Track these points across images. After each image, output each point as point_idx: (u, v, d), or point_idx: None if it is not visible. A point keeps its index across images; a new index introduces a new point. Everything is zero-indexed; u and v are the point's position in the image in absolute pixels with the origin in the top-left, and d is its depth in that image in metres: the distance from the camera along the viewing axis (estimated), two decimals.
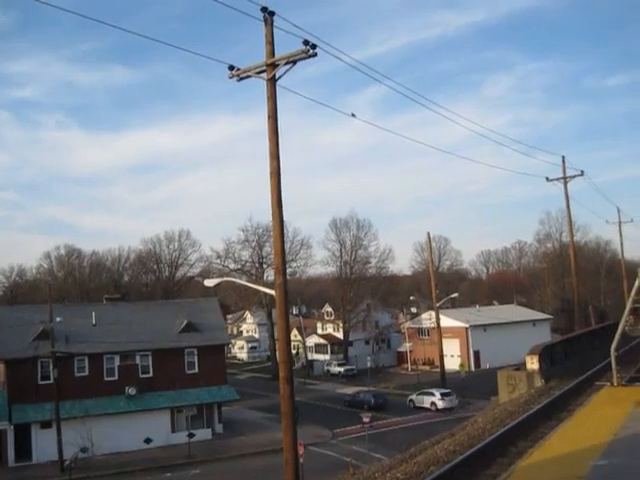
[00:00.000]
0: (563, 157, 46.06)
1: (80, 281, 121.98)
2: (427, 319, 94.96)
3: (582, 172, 46.02)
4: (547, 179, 46.11)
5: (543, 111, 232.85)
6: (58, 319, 50.06)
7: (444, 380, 72.70)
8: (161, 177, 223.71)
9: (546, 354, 30.72)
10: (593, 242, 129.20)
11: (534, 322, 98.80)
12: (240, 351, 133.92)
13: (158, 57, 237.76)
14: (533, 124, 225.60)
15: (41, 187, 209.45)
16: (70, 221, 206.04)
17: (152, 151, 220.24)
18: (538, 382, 28.46)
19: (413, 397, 65.83)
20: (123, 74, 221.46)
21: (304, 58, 17.05)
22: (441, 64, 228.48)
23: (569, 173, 46.05)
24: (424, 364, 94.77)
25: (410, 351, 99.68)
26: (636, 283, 27.44)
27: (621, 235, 75.42)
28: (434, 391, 64.63)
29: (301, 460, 28.02)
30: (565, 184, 46.12)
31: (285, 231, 19.59)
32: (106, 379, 54.86)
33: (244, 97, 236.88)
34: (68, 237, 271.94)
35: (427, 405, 63.21)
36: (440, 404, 62.31)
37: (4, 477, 47.81)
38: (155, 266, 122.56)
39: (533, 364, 29.13)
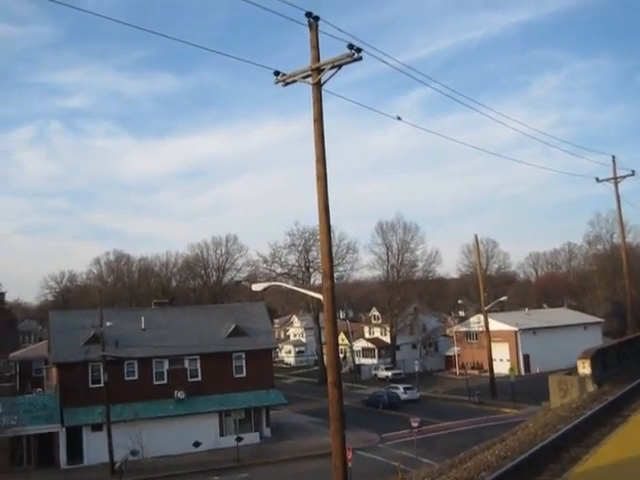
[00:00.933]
0: (613, 157, 45.16)
1: (129, 286, 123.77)
2: (475, 323, 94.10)
3: (633, 172, 45.03)
4: (597, 180, 45.24)
5: (591, 110, 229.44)
6: (108, 324, 50.74)
7: (493, 384, 71.93)
8: (207, 183, 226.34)
9: (598, 358, 30.12)
10: None
11: (585, 325, 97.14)
12: (287, 355, 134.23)
13: (204, 64, 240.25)
14: (581, 124, 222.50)
15: (90, 194, 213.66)
16: (118, 227, 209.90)
17: (198, 157, 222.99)
18: (590, 387, 27.90)
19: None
20: (169, 82, 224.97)
21: (349, 62, 17.02)
22: (486, 65, 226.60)
23: (620, 173, 45.11)
24: (472, 368, 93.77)
25: (458, 355, 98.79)
26: None
27: None
28: (399, 386, 77.18)
29: (350, 465, 27.89)
30: (616, 184, 45.22)
31: (331, 235, 19.54)
32: (155, 383, 55.47)
33: (289, 102, 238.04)
34: (117, 243, 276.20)
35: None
36: (403, 397, 73.18)
37: (56, 478, 48.71)
38: (202, 271, 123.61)
39: (585, 368, 28.57)
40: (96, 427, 50.94)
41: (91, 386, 52.55)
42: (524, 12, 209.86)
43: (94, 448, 50.36)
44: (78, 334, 52.94)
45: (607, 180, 45.23)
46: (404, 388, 75.64)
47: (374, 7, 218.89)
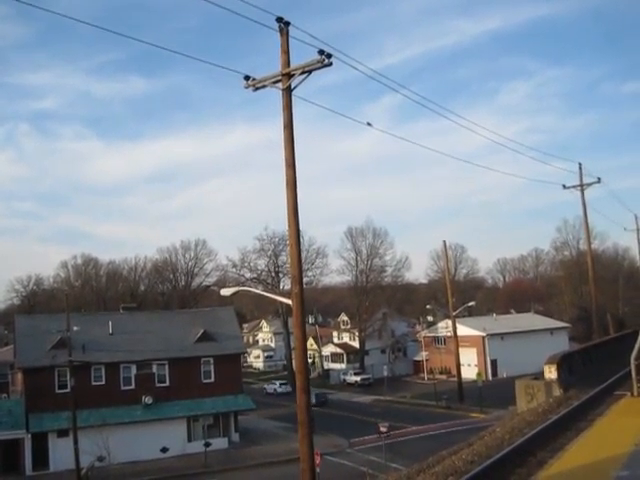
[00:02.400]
0: (580, 164, 45.78)
1: (97, 290, 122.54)
2: (444, 328, 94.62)
3: (599, 179, 45.72)
4: (564, 187, 45.79)
5: (560, 118, 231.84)
6: (75, 328, 50.21)
7: (461, 389, 72.44)
8: (178, 186, 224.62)
9: (564, 363, 30.43)
10: (611, 250, 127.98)
11: (552, 331, 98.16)
12: (256, 360, 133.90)
13: (175, 68, 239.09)
14: (550, 131, 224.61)
15: (59, 197, 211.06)
16: (87, 231, 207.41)
17: (169, 161, 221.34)
18: (557, 391, 28.17)
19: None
20: (140, 85, 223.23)
21: (319, 68, 17.06)
22: (457, 72, 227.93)
23: (586, 180, 45.73)
24: (441, 373, 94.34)
25: (426, 360, 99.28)
26: None
27: (639, 242, 74.68)
28: (275, 381, 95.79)
29: (318, 470, 27.92)
30: (582, 191, 45.83)
31: (301, 240, 19.56)
32: (123, 388, 55.05)
33: (260, 107, 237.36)
34: (85, 247, 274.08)
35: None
36: (279, 390, 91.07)
37: None
38: (171, 275, 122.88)
39: (551, 373, 28.83)
40: (62, 433, 50.35)
41: (57, 391, 52.02)
42: (495, 20, 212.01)
43: (60, 454, 49.74)
44: (44, 338, 52.34)
45: (574, 187, 45.82)
46: (280, 383, 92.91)
47: (346, 13, 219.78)
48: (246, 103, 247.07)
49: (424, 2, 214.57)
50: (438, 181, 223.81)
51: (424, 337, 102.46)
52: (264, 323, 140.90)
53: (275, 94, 17.95)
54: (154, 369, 56.52)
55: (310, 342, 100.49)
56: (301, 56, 17.46)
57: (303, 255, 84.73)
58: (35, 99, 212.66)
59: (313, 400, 73.35)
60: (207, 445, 51.08)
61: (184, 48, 19.09)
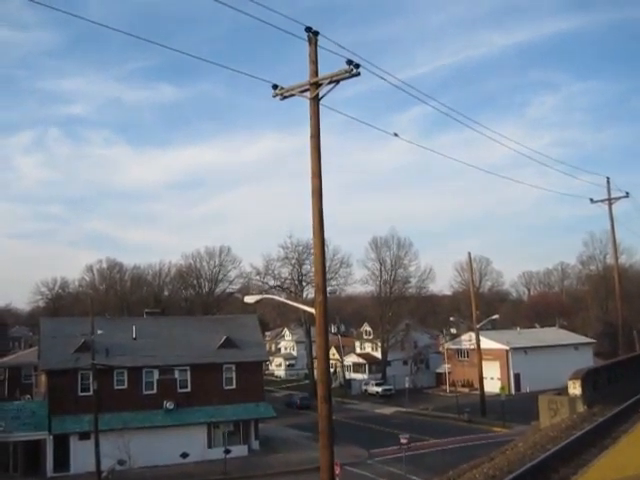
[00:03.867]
0: (608, 178, 45.34)
1: (121, 294, 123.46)
2: (467, 340, 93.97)
3: (627, 194, 45.24)
4: (591, 200, 45.38)
5: (588, 131, 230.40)
6: (99, 332, 50.50)
7: (483, 402, 71.83)
8: (204, 194, 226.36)
9: (589, 379, 30.08)
10: (638, 265, 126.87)
11: (576, 346, 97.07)
12: (278, 368, 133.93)
13: (204, 76, 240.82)
14: (577, 145, 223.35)
15: (87, 202, 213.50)
16: (113, 235, 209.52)
17: (196, 168, 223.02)
18: (580, 407, 27.86)
19: None
20: (169, 92, 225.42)
21: (347, 77, 17.06)
22: (485, 84, 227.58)
23: (614, 194, 45.28)
24: (463, 386, 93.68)
25: (449, 372, 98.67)
26: None
27: None
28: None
29: None
30: (610, 206, 45.37)
31: (325, 249, 19.54)
32: (145, 393, 55.23)
33: (288, 116, 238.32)
34: (111, 251, 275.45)
35: None
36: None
37: None
38: (195, 281, 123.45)
39: (575, 389, 28.52)
40: (84, 436, 50.63)
41: (80, 394, 52.27)
42: (523, 33, 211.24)
43: (81, 457, 50.00)
44: (68, 341, 52.71)
45: (601, 201, 45.38)
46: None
47: (377, 24, 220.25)
48: (273, 112, 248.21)
49: (454, 14, 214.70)
50: (463, 192, 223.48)
51: (447, 349, 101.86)
52: (286, 331, 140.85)
53: (302, 103, 18.00)
54: (176, 374, 56.66)
55: (332, 351, 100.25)
56: (330, 66, 17.50)
57: (327, 264, 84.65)
58: (66, 104, 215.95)
59: (297, 402, 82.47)
60: (227, 452, 51.07)
61: (213, 57, 19.39)
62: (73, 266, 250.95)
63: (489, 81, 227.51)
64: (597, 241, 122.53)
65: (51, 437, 50.78)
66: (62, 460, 50.85)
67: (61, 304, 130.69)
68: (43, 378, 59.25)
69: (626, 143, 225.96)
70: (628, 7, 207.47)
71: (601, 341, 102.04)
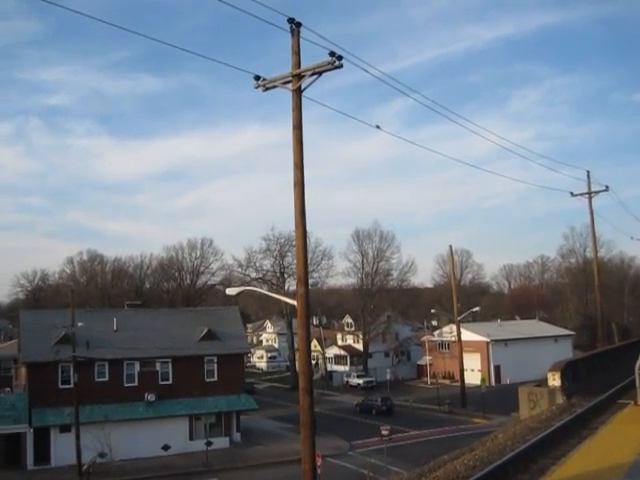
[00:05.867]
0: (588, 172, 45.67)
1: (102, 287, 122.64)
2: (448, 332, 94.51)
3: (607, 187, 45.56)
4: (572, 194, 45.67)
5: (569, 125, 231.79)
6: (80, 324, 50.37)
7: (464, 394, 72.27)
8: (186, 185, 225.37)
9: (568, 371, 30.37)
10: (617, 258, 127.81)
11: (556, 338, 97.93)
12: (259, 360, 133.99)
13: (187, 67, 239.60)
14: (559, 138, 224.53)
15: (68, 193, 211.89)
16: (94, 227, 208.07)
17: (178, 159, 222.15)
18: (560, 399, 28.12)
19: None
20: (152, 83, 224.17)
21: (330, 69, 17.07)
22: (468, 78, 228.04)
23: (594, 188, 45.61)
24: (444, 378, 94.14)
25: (430, 364, 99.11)
26: None
27: None
28: None
29: (319, 471, 27.88)
30: (590, 199, 45.71)
31: (307, 241, 19.57)
32: (126, 385, 55.09)
33: (271, 108, 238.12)
34: (92, 243, 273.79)
35: None
36: None
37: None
38: (177, 273, 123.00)
39: (555, 380, 28.79)
40: (64, 428, 50.39)
41: (60, 387, 52.02)
42: (507, 26, 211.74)
43: (62, 449, 49.84)
44: (49, 334, 52.47)
45: (581, 195, 45.70)
46: None
47: (360, 17, 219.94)
48: (257, 104, 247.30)
49: (438, 7, 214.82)
50: (445, 186, 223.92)
51: (428, 341, 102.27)
52: (268, 323, 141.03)
53: (286, 95, 17.98)
54: (157, 367, 56.56)
55: (314, 344, 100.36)
56: (313, 58, 17.49)
57: (309, 256, 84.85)
58: (47, 95, 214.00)
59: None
60: (208, 444, 51.08)
61: (196, 47, 19.32)
62: (53, 258, 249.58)
63: (472, 74, 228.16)
64: (577, 234, 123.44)
65: (31, 430, 50.50)
66: (43, 453, 50.66)
67: (41, 296, 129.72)
68: (23, 371, 58.94)
69: (607, 137, 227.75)
70: (610, 2, 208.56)
71: (580, 333, 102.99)
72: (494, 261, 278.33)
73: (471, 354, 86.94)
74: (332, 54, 16.68)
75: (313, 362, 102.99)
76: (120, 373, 55.16)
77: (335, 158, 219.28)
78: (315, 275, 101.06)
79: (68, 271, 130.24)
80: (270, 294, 36.76)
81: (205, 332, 59.23)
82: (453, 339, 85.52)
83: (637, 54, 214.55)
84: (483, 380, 76.86)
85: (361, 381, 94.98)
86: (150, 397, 54.89)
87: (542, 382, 31.17)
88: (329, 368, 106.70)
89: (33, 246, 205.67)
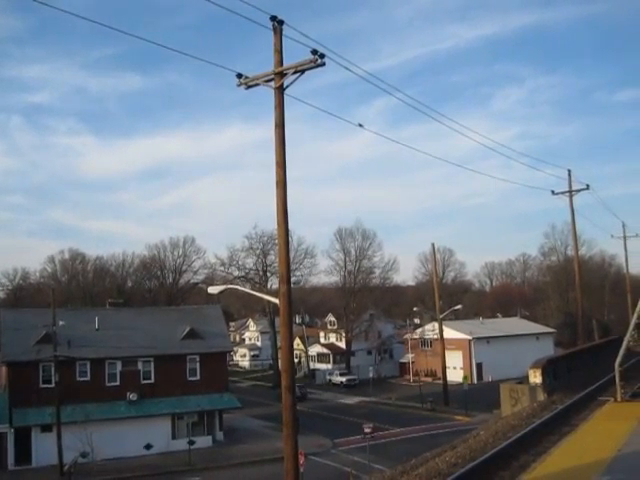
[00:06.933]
0: (569, 171, 46.03)
1: (84, 285, 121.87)
2: (430, 330, 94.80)
3: (588, 186, 45.94)
4: (553, 192, 46.03)
5: (551, 125, 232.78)
6: (61, 323, 50.00)
7: (446, 392, 72.52)
8: (169, 184, 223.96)
9: (549, 368, 30.61)
10: (598, 256, 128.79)
11: (537, 335, 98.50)
12: (242, 359, 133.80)
13: (170, 65, 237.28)
14: (541, 137, 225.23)
15: (49, 191, 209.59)
16: (76, 226, 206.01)
17: (162, 158, 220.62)
18: (541, 396, 28.34)
19: None
20: (135, 81, 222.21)
21: (312, 67, 17.08)
22: (451, 77, 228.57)
23: (575, 187, 45.97)
24: (426, 375, 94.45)
25: (412, 362, 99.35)
26: None
27: (626, 250, 75.04)
28: None
29: (301, 470, 27.93)
30: (571, 198, 46.05)
31: (290, 240, 19.58)
32: (108, 384, 54.85)
33: (254, 106, 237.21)
34: (73, 242, 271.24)
35: None
36: None
37: None
38: (159, 272, 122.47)
39: (536, 378, 29.01)
40: (46, 428, 50.16)
41: (42, 386, 51.71)
42: (489, 26, 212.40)
43: (43, 449, 49.58)
44: (30, 333, 52.08)
45: (562, 193, 46.05)
46: None
47: (343, 16, 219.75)
48: (240, 102, 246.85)
49: (421, 6, 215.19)
50: (428, 184, 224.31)
51: (410, 339, 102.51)
52: (251, 322, 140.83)
53: (269, 94, 17.97)
54: (139, 366, 56.37)
55: (297, 342, 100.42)
56: (296, 57, 17.47)
57: (291, 255, 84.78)
58: (29, 92, 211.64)
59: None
60: (191, 443, 50.99)
61: (180, 46, 19.18)
62: (34, 257, 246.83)
63: (456, 74, 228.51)
64: (558, 233, 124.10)
65: (12, 430, 50.22)
66: (24, 453, 50.35)
67: (22, 295, 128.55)
68: (3, 370, 58.36)
69: (589, 136, 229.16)
70: (592, 2, 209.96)
71: (561, 331, 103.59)
72: (476, 259, 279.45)
73: (453, 352, 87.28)
74: (314, 52, 16.70)
75: (296, 360, 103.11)
76: (102, 372, 54.89)
77: (318, 157, 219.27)
78: (298, 273, 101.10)
79: (49, 270, 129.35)
80: (253, 292, 36.70)
81: (187, 331, 59.09)
82: (435, 337, 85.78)
83: (619, 54, 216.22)
84: (465, 378, 77.16)
85: (344, 379, 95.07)
86: (132, 396, 54.69)
87: (523, 379, 31.41)
88: (312, 366, 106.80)
89: (14, 244, 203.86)
